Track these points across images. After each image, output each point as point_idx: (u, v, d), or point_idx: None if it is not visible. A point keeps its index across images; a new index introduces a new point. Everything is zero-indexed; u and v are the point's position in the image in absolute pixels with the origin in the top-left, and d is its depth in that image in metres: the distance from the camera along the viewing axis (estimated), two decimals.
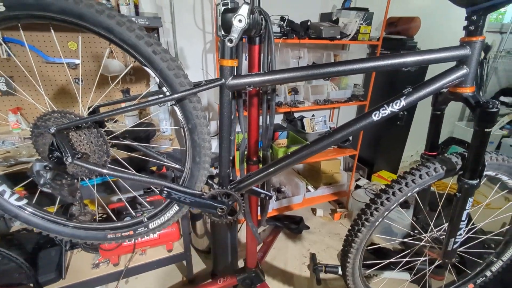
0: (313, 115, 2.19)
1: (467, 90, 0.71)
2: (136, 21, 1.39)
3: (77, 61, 1.51)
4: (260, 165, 1.20)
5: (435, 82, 0.71)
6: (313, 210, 2.45)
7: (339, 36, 1.73)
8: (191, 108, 0.71)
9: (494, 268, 1.12)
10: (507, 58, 3.16)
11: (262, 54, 0.96)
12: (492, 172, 0.87)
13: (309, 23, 1.78)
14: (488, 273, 1.13)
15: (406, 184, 0.83)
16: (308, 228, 2.23)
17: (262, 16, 0.87)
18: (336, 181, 2.44)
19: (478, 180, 0.77)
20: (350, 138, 2.30)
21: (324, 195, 2.37)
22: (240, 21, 0.56)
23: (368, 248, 2.02)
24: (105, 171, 0.74)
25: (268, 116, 1.05)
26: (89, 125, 0.72)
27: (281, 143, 2.01)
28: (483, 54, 2.97)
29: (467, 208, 0.82)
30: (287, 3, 1.99)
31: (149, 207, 0.90)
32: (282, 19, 1.73)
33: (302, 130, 2.10)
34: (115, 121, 1.63)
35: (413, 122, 2.60)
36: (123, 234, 0.91)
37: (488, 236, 1.09)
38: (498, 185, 1.00)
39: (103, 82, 1.59)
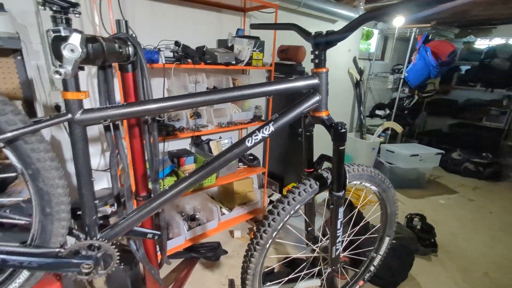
0: (220, 137, 2.20)
1: (323, 114, 0.81)
2: None
3: None
4: None
5: (296, 108, 0.78)
6: (231, 232, 2.41)
7: (234, 62, 1.81)
8: (29, 150, 0.58)
9: (375, 262, 1.29)
10: (376, 80, 3.93)
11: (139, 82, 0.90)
12: (357, 181, 1.01)
13: (205, 49, 1.81)
14: (372, 268, 1.29)
15: (288, 203, 0.88)
16: (226, 252, 2.16)
17: (130, 43, 0.82)
18: (250, 200, 2.48)
19: (343, 191, 0.87)
20: (258, 157, 2.39)
21: (240, 216, 2.37)
22: (72, 50, 0.49)
23: (283, 261, 2.09)
24: None
25: (151, 147, 0.97)
26: None
27: (188, 168, 1.93)
28: (359, 77, 3.61)
29: (339, 218, 0.91)
30: (187, 29, 2.00)
31: None
32: (177, 43, 1.70)
33: (210, 153, 2.07)
34: None
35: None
36: None
37: (366, 235, 1.26)
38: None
39: None
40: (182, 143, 2.23)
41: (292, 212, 0.88)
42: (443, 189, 3.39)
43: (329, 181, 0.91)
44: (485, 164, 3.67)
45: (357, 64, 3.55)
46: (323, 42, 0.73)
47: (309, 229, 1.10)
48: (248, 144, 0.76)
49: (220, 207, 2.30)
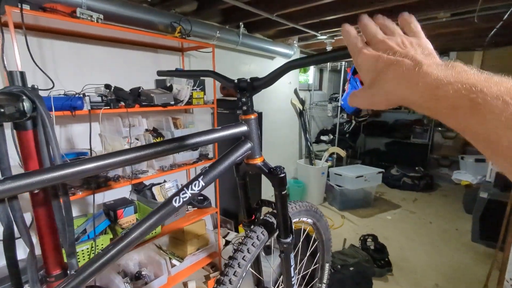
0: (164, 181, 2.04)
1: (257, 161, 0.77)
2: None
3: None
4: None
5: (227, 158, 0.72)
6: (185, 285, 2.16)
7: (173, 102, 1.73)
8: None
9: None
10: (317, 108, 4.20)
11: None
12: (296, 219, 0.97)
13: (140, 90, 1.71)
14: None
15: (239, 265, 0.78)
16: None
17: (26, 97, 0.70)
18: (204, 243, 2.29)
19: (291, 236, 0.82)
20: (209, 197, 2.26)
21: (193, 264, 2.15)
22: None
23: None
24: None
25: (61, 214, 0.81)
26: None
27: (128, 221, 1.71)
28: (301, 106, 3.82)
29: (292, 264, 0.85)
30: (120, 71, 1.89)
31: None
32: (108, 86, 1.58)
33: (154, 200, 1.89)
34: None
35: None
36: None
37: (312, 267, 1.21)
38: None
39: None
40: (121, 192, 1.99)
41: (244, 274, 0.79)
42: (388, 205, 3.62)
43: (275, 225, 0.86)
44: (419, 177, 4.06)
45: (298, 95, 3.77)
46: (248, 89, 0.71)
47: (259, 283, 1.01)
48: (176, 204, 0.67)
49: (170, 258, 2.07)
